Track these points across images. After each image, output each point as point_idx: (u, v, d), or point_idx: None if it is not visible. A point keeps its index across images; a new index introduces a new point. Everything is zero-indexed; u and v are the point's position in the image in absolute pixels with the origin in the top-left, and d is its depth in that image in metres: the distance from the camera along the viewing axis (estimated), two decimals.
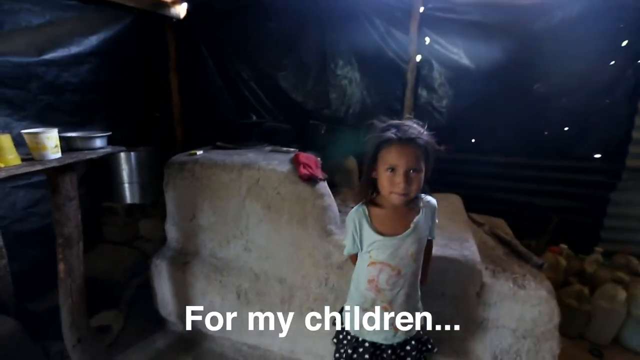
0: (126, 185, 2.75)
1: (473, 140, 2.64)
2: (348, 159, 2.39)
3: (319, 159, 1.89)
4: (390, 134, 1.07)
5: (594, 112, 2.35)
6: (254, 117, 3.19)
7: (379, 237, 1.16)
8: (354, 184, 2.27)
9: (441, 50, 2.52)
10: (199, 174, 1.90)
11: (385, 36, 2.62)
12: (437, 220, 1.26)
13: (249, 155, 1.91)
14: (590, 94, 2.32)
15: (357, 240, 1.21)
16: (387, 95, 2.72)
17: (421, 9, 2.48)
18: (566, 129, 2.42)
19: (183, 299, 2.01)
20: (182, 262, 1.99)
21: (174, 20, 3.22)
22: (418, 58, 2.58)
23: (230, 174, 1.80)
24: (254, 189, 1.76)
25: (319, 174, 1.71)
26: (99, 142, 1.79)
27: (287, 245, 1.75)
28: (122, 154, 2.67)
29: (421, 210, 1.19)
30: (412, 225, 1.16)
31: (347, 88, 2.85)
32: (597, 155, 2.43)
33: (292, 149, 1.97)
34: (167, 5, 3.14)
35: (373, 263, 1.18)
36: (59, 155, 1.54)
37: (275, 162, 1.77)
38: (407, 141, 1.06)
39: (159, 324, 2.22)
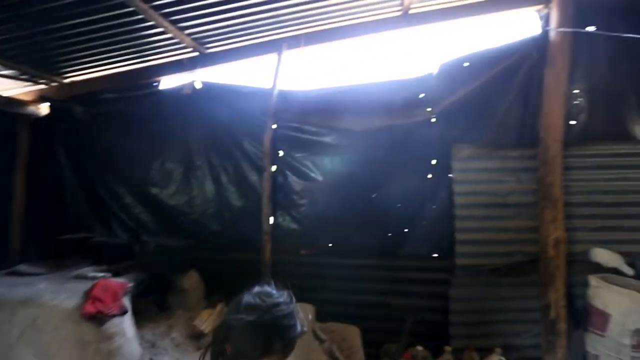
0: None
1: (330, 245, 2.74)
2: (185, 277, 2.20)
3: (129, 285, 1.69)
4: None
5: (425, 217, 2.67)
6: (114, 225, 2.94)
7: None
8: (191, 305, 2.06)
9: (293, 163, 2.74)
10: None
11: (244, 147, 2.79)
12: None
13: (40, 286, 1.63)
14: (419, 202, 2.66)
15: None
16: (249, 201, 2.78)
17: (274, 126, 2.73)
18: (406, 230, 2.68)
19: None
20: None
21: (32, 117, 3.04)
22: (273, 168, 2.74)
23: (2, 314, 1.48)
24: (29, 331, 1.45)
25: (115, 308, 1.50)
26: None
27: None
28: None
29: None
30: None
31: (210, 195, 2.86)
32: (435, 255, 2.69)
33: (100, 275, 1.73)
34: (23, 104, 2.99)
35: None
36: None
37: (64, 295, 1.52)
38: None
39: None
